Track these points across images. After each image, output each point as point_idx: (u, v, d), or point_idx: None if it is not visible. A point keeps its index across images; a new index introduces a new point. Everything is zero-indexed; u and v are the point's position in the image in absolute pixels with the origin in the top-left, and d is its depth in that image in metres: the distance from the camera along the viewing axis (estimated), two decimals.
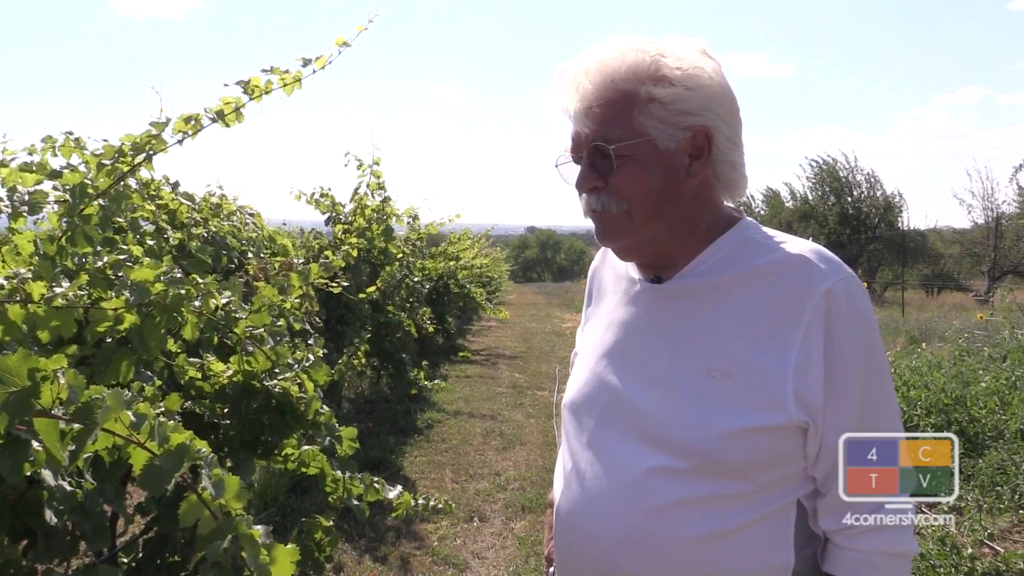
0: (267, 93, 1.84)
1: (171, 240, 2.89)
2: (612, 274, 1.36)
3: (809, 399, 1.07)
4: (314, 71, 1.89)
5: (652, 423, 1.14)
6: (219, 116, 1.79)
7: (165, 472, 1.08)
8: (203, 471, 1.14)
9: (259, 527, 1.18)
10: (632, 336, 1.23)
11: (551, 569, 1.39)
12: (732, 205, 1.25)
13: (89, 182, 1.63)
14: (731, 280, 1.16)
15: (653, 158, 1.12)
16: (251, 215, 4.39)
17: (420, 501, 2.31)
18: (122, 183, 1.69)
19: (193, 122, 1.76)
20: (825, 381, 1.07)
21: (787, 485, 1.12)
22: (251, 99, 1.83)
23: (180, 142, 1.79)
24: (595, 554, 1.17)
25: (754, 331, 1.11)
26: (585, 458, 1.22)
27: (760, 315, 1.11)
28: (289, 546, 1.18)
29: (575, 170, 1.19)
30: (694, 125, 1.12)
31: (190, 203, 3.30)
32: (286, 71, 1.85)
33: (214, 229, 3.41)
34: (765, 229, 1.22)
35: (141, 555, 1.88)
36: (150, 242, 2.45)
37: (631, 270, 1.29)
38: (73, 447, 1.09)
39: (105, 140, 1.98)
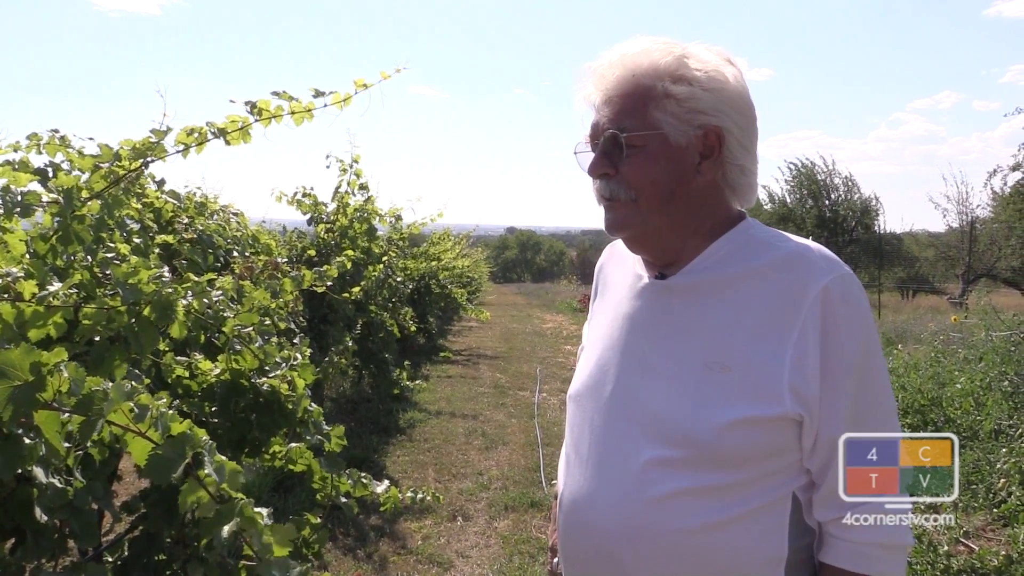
0: (276, 119, 1.82)
1: (156, 239, 2.88)
2: (618, 270, 1.39)
3: (805, 392, 1.10)
4: (326, 105, 1.86)
5: (652, 415, 1.17)
6: (222, 133, 1.77)
7: (170, 461, 1.09)
8: (205, 458, 1.16)
9: (261, 509, 1.19)
10: (635, 330, 1.26)
11: (555, 560, 1.41)
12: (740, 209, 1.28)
13: (84, 185, 1.62)
14: (732, 276, 1.19)
15: (663, 151, 1.17)
16: (235, 214, 4.38)
17: (408, 494, 2.33)
18: (118, 187, 1.69)
19: (196, 135, 1.75)
20: (821, 375, 1.10)
21: (782, 477, 1.15)
22: (258, 121, 1.80)
23: (183, 154, 1.77)
24: (596, 545, 1.19)
25: (753, 326, 1.14)
26: (587, 449, 1.25)
27: (759, 310, 1.14)
28: (287, 524, 1.20)
29: (591, 159, 1.24)
30: (706, 124, 1.16)
31: (175, 201, 3.28)
32: (296, 99, 1.83)
33: (200, 228, 3.39)
34: (766, 228, 1.25)
35: (127, 554, 1.88)
36: (136, 240, 2.45)
37: (637, 267, 1.32)
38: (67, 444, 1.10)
39: (91, 138, 1.96)
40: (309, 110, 1.85)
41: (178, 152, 1.77)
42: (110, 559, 1.92)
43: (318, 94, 1.85)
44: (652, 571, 1.14)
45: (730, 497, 1.12)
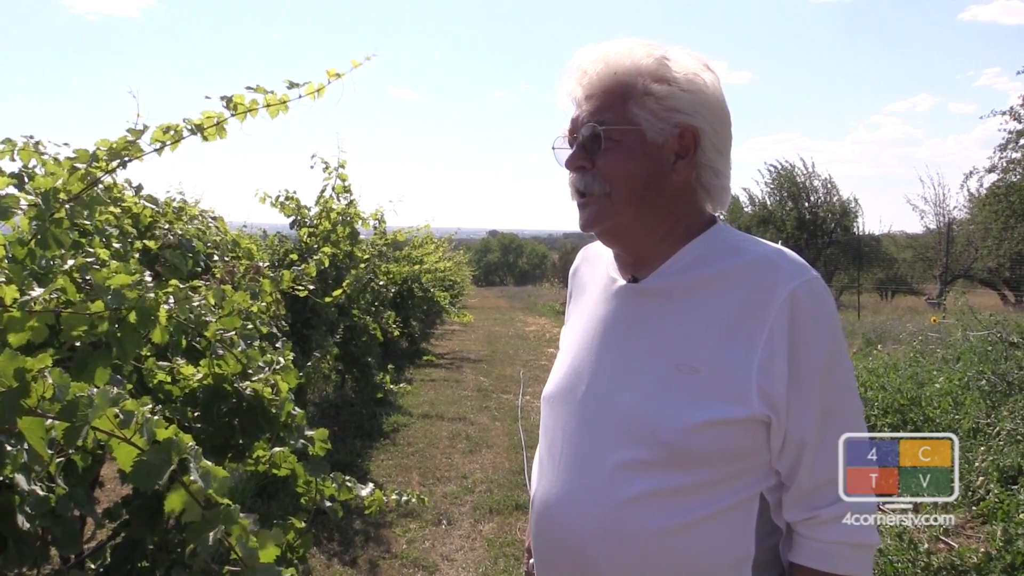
0: (251, 113, 1.80)
1: (135, 244, 2.86)
2: (592, 273, 1.41)
3: (772, 394, 1.11)
4: (300, 96, 1.85)
5: (623, 416, 1.19)
6: (198, 129, 1.76)
7: (156, 467, 1.09)
8: (191, 464, 1.15)
9: (247, 516, 1.19)
10: (608, 332, 1.27)
11: (531, 561, 1.42)
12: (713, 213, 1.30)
13: (62, 186, 1.60)
14: (702, 280, 1.20)
15: (640, 147, 1.19)
16: (213, 219, 4.35)
17: (393, 497, 2.32)
18: (95, 188, 1.67)
19: (172, 132, 1.73)
20: (788, 378, 1.11)
21: (750, 478, 1.16)
22: (234, 115, 1.79)
23: (159, 152, 1.75)
24: (567, 546, 1.20)
25: (722, 328, 1.15)
26: (559, 450, 1.26)
27: (728, 313, 1.16)
28: (273, 531, 1.19)
29: (568, 154, 1.26)
30: (683, 123, 1.19)
31: (153, 206, 3.26)
32: (271, 92, 1.82)
33: (180, 232, 3.37)
34: (738, 232, 1.27)
35: (110, 561, 1.86)
36: (116, 245, 2.43)
37: (611, 270, 1.34)
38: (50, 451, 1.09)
39: (66, 143, 1.93)
40: (284, 102, 1.84)
41: (154, 151, 1.75)
42: (92, 566, 1.91)
43: (292, 85, 1.85)
44: (622, 572, 1.15)
45: (699, 498, 1.13)
